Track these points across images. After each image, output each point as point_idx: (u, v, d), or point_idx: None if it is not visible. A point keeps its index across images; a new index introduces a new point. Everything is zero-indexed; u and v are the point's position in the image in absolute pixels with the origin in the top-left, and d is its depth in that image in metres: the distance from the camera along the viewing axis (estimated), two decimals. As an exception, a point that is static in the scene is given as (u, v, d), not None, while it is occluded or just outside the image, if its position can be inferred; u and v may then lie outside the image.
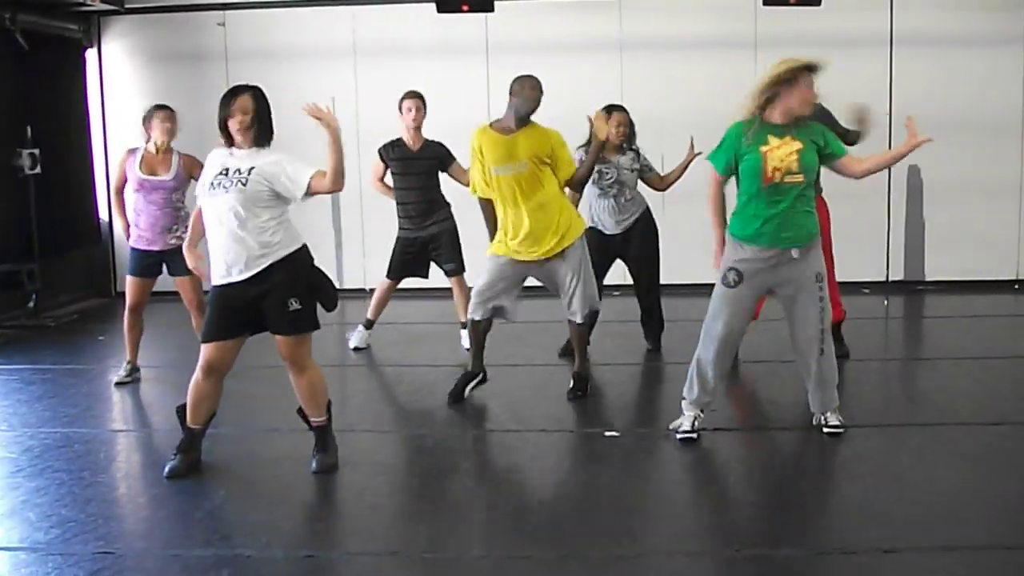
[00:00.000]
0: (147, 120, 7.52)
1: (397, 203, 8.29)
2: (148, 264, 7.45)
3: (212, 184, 5.33)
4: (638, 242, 7.91)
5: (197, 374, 5.51)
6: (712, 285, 5.93)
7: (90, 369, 8.19)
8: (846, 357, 7.49)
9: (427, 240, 8.25)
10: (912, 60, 10.69)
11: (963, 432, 6.03)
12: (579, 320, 6.82)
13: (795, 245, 5.71)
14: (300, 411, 5.67)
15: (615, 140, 7.59)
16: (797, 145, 5.63)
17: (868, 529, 4.61)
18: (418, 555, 4.59)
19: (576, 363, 7.00)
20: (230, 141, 5.46)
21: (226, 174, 5.32)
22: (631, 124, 7.77)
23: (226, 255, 5.29)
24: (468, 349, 7.22)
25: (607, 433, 6.17)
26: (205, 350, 5.44)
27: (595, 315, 7.00)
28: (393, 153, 8.23)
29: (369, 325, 8.54)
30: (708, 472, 5.75)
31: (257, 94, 5.58)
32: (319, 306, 5.51)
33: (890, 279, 11.12)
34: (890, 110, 10.68)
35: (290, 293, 5.31)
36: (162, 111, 7.53)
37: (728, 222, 5.88)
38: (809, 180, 5.71)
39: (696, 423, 5.95)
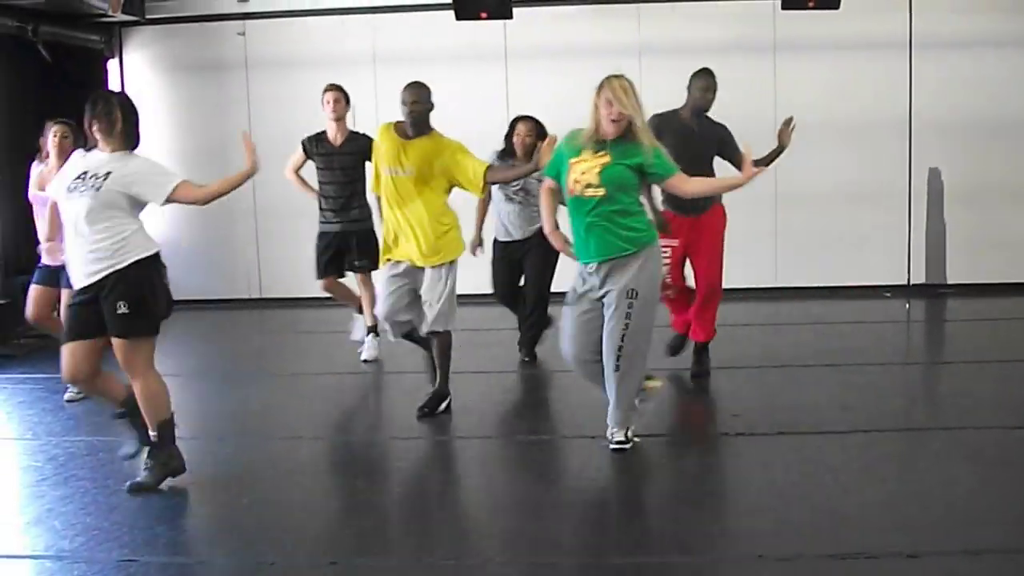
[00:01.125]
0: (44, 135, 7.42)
1: (319, 195, 8.32)
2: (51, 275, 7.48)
3: (68, 188, 5.34)
4: (534, 253, 7.83)
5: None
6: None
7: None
8: (706, 375, 7.47)
9: (342, 235, 8.25)
10: (931, 62, 10.67)
11: (985, 436, 6.01)
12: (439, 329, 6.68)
13: (598, 260, 5.68)
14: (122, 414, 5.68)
15: (520, 151, 7.73)
16: (604, 160, 5.61)
17: (890, 533, 4.59)
18: (439, 562, 4.60)
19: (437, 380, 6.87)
20: (94, 142, 5.51)
21: (83, 178, 5.32)
22: (537, 134, 7.73)
23: (76, 259, 5.34)
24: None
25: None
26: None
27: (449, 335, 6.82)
28: (318, 148, 8.24)
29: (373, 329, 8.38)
30: (729, 476, 5.75)
31: (123, 100, 5.68)
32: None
33: (911, 282, 11.08)
34: (910, 113, 10.69)
35: (121, 297, 5.27)
36: (58, 126, 7.46)
37: None
38: (612, 194, 5.61)
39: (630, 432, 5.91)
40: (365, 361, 8.23)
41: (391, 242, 6.70)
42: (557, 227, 5.95)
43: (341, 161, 8.13)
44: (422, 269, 6.62)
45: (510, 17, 9.93)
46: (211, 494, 5.50)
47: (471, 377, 7.38)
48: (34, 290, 7.59)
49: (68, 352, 5.41)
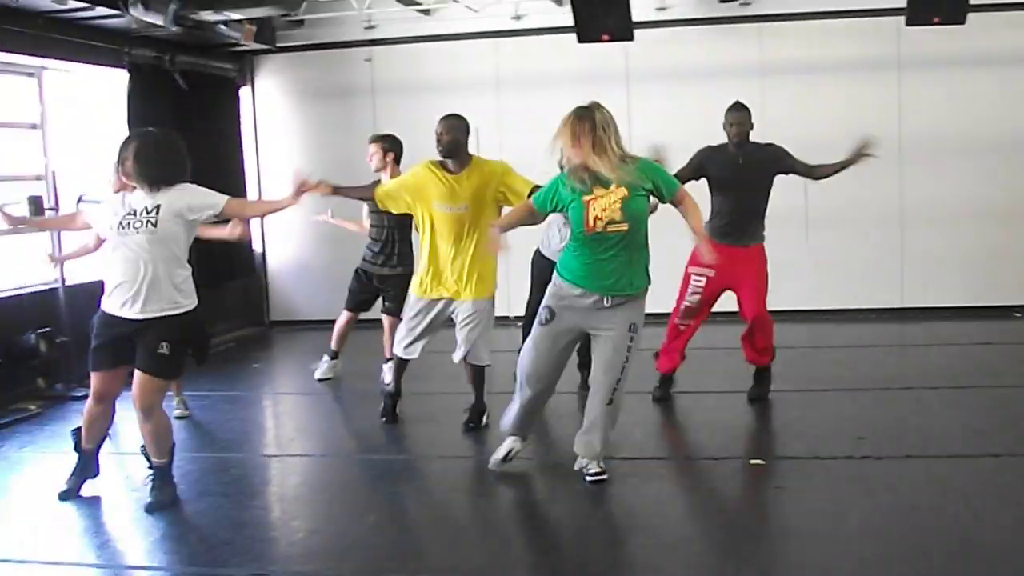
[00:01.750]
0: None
1: (371, 242, 8.57)
2: None
3: (121, 224, 5.49)
4: None
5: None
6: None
7: (245, 396, 8.46)
8: (763, 399, 7.43)
9: (381, 279, 8.47)
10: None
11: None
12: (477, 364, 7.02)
13: (612, 294, 5.64)
14: (143, 448, 5.92)
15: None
16: (622, 193, 5.51)
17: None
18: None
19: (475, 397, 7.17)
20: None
21: (134, 214, 5.49)
22: None
23: (126, 291, 5.50)
24: (388, 383, 7.50)
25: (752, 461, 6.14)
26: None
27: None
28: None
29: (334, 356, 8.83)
30: (856, 500, 5.68)
31: (156, 139, 5.83)
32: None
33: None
34: (1042, 129, 10.43)
35: (164, 338, 5.51)
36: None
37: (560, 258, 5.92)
38: (635, 228, 5.59)
39: (512, 454, 6.11)
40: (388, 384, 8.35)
41: (429, 278, 6.88)
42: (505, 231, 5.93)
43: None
44: (453, 302, 6.88)
45: (632, 39, 9.95)
46: (339, 511, 5.63)
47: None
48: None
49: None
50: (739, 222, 7.21)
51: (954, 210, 10.66)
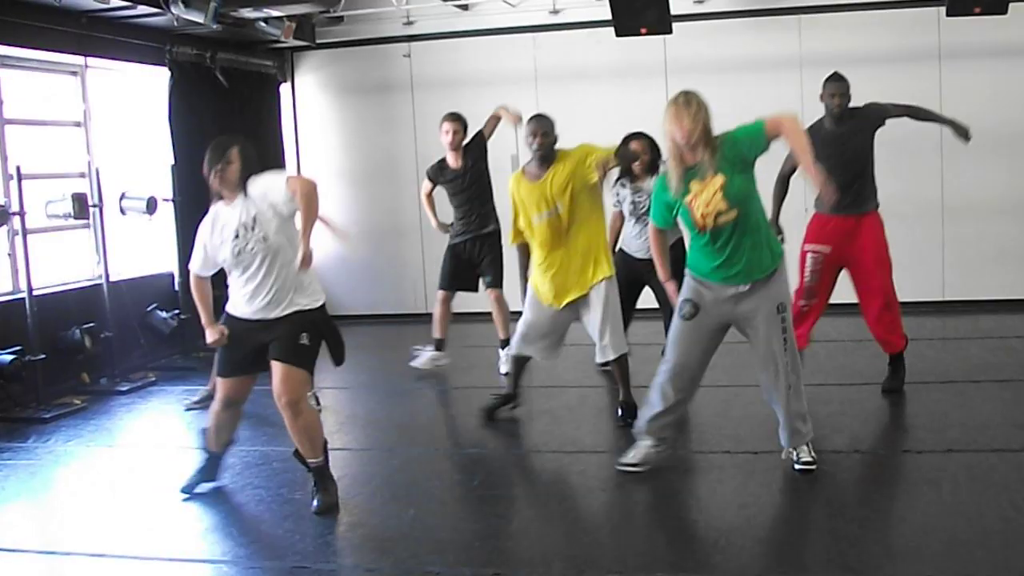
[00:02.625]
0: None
1: (456, 217, 8.76)
2: None
3: (236, 252, 5.48)
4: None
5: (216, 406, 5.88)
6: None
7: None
8: (897, 391, 7.27)
9: (473, 242, 8.65)
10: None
11: None
12: (610, 357, 6.81)
13: (747, 280, 5.52)
14: (296, 453, 5.69)
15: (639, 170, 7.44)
16: (719, 181, 5.35)
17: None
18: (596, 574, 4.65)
19: (621, 393, 7.01)
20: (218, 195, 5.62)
21: (239, 237, 5.47)
22: (653, 150, 7.43)
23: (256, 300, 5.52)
24: (506, 374, 7.51)
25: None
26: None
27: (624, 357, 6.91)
28: (443, 176, 8.72)
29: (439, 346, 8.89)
30: (897, 494, 5.65)
31: (242, 146, 5.73)
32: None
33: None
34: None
35: (303, 329, 5.48)
36: None
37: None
38: (746, 210, 5.41)
39: (645, 456, 5.89)
40: (505, 374, 8.43)
41: (545, 289, 6.79)
42: (671, 277, 5.89)
43: (469, 178, 8.62)
44: (578, 302, 6.77)
45: (670, 32, 9.93)
46: (380, 504, 5.66)
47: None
48: None
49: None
50: (848, 189, 6.86)
51: (995, 202, 10.55)
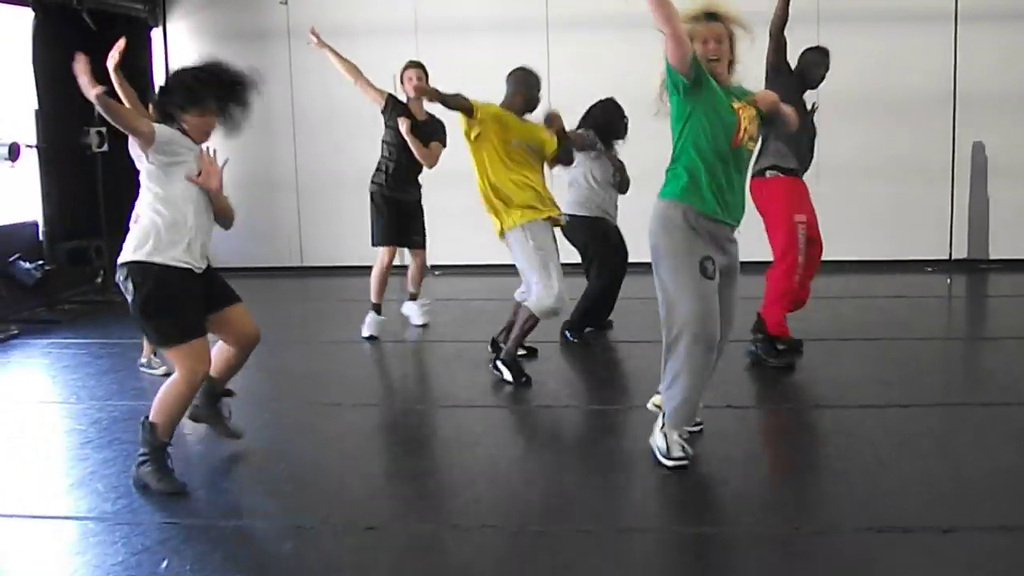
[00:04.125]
0: None
1: (384, 158, 8.27)
2: None
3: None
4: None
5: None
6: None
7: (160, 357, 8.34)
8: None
9: (409, 205, 8.31)
10: (977, 35, 10.55)
11: (1025, 412, 5.98)
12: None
13: (737, 218, 5.10)
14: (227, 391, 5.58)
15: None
16: (753, 110, 5.04)
17: (927, 508, 4.59)
18: (477, 528, 4.63)
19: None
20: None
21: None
22: (609, 112, 7.77)
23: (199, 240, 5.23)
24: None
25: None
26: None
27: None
28: (400, 112, 8.09)
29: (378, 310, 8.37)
30: (765, 449, 5.75)
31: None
32: None
33: (953, 257, 11.01)
34: (954, 87, 10.58)
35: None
36: None
37: (677, 190, 4.99)
38: (754, 149, 5.23)
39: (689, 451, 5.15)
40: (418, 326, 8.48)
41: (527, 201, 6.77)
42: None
43: (420, 134, 8.03)
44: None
45: (552, -13, 9.92)
46: (251, 459, 5.56)
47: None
48: None
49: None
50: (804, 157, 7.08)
51: (868, 165, 10.81)
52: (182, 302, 5.02)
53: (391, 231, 8.21)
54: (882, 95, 10.52)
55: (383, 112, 8.20)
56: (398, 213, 8.22)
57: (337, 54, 8.35)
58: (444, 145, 8.08)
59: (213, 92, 5.15)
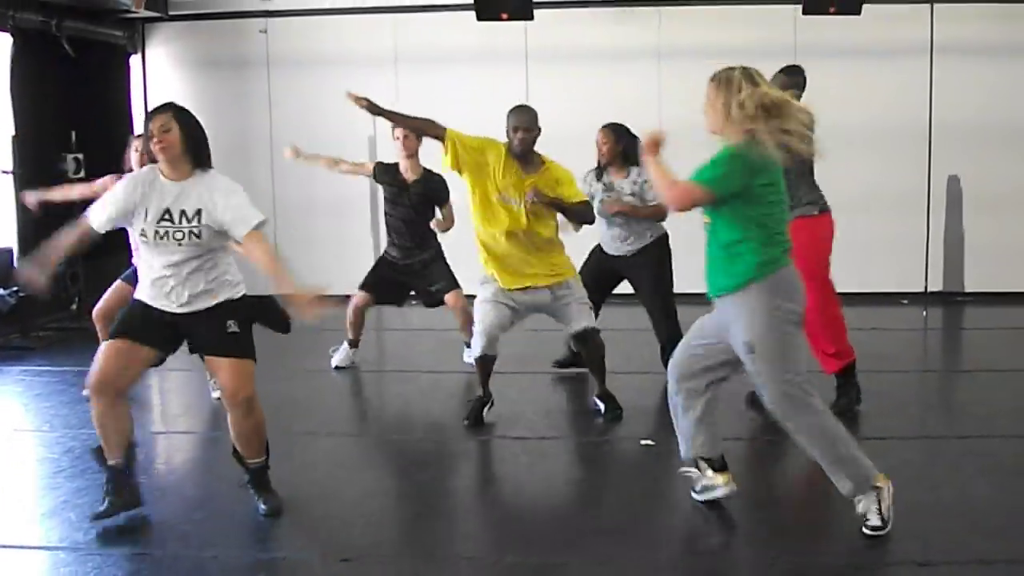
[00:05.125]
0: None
1: (388, 227, 8.05)
2: None
3: (158, 233, 4.88)
4: (644, 273, 7.39)
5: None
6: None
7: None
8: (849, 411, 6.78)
9: (410, 268, 7.96)
10: (951, 69, 10.63)
11: (1001, 445, 6.00)
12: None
13: (713, 291, 4.86)
14: (236, 453, 5.22)
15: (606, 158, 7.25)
16: None
17: (904, 542, 4.58)
18: (453, 557, 4.60)
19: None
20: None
21: (170, 219, 4.87)
22: (618, 142, 7.22)
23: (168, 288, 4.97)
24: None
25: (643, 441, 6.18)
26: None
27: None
28: (386, 177, 7.87)
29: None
30: (740, 480, 5.73)
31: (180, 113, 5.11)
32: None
33: (929, 290, 11.06)
34: (930, 120, 10.67)
35: (229, 317, 5.05)
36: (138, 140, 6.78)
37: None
38: (715, 223, 4.77)
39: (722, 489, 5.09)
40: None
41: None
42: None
43: (411, 199, 7.80)
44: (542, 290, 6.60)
45: (531, 18, 9.96)
46: (226, 489, 5.51)
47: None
48: (119, 286, 7.10)
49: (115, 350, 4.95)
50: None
51: (844, 198, 10.61)
52: (136, 309, 5.01)
53: (371, 281, 8.05)
54: (858, 128, 10.57)
55: (376, 180, 8.00)
56: (393, 272, 7.98)
57: (315, 158, 8.15)
58: (447, 201, 7.82)
59: None
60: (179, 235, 4.86)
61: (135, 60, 11.76)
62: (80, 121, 10.41)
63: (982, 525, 4.79)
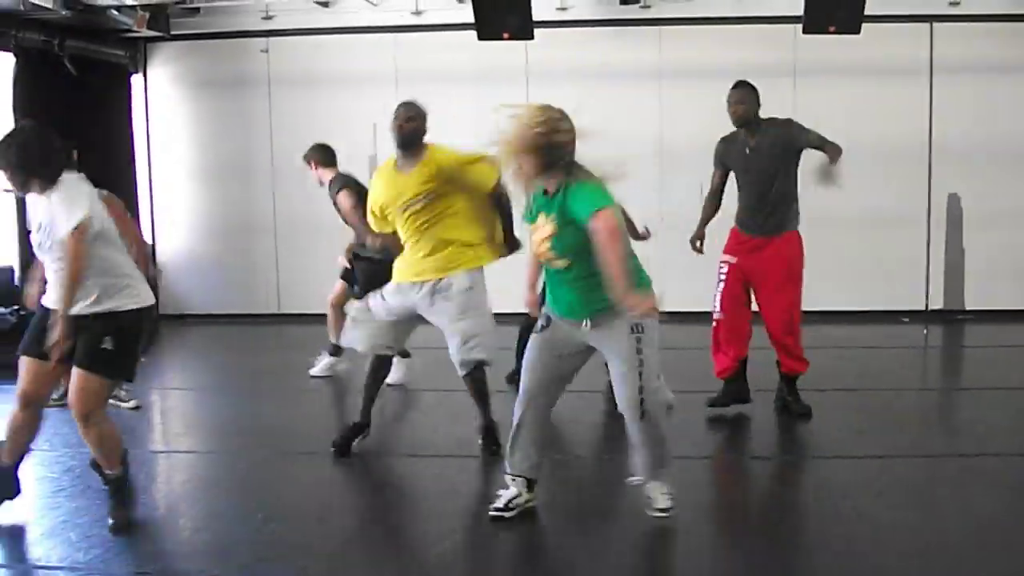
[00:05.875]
0: None
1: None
2: None
3: (39, 244, 5.19)
4: None
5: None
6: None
7: (131, 390, 8.26)
8: (807, 416, 7.01)
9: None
10: (951, 88, 10.66)
11: (1002, 463, 5.99)
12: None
13: (580, 316, 4.93)
14: (94, 463, 5.31)
15: None
16: (550, 229, 4.83)
17: (905, 559, 4.58)
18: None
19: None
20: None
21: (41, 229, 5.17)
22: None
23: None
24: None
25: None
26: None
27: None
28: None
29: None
30: (742, 498, 5.73)
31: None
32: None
33: (930, 308, 11.05)
34: (930, 140, 10.69)
35: (107, 333, 5.09)
36: None
37: None
38: (579, 261, 4.80)
39: (514, 502, 5.22)
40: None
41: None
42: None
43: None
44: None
45: (532, 38, 9.97)
46: (225, 508, 5.52)
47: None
48: None
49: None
50: (759, 209, 6.88)
51: (844, 217, 10.82)
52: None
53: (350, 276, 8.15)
54: (858, 148, 10.53)
55: None
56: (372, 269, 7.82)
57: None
58: None
59: None
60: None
61: (137, 79, 11.79)
62: (82, 140, 10.40)
63: (982, 543, 4.78)
